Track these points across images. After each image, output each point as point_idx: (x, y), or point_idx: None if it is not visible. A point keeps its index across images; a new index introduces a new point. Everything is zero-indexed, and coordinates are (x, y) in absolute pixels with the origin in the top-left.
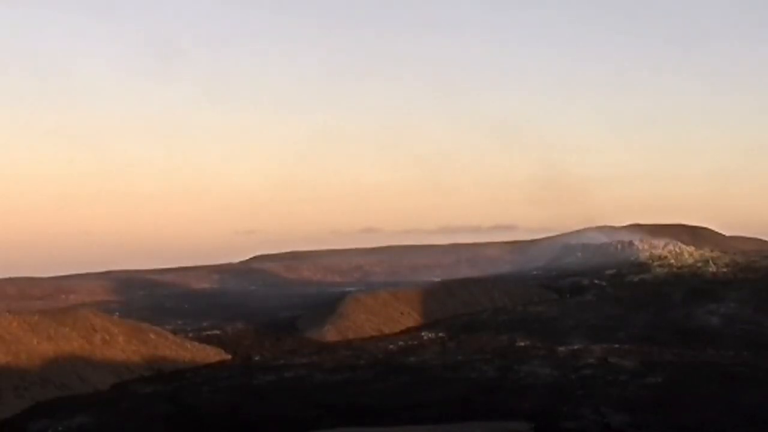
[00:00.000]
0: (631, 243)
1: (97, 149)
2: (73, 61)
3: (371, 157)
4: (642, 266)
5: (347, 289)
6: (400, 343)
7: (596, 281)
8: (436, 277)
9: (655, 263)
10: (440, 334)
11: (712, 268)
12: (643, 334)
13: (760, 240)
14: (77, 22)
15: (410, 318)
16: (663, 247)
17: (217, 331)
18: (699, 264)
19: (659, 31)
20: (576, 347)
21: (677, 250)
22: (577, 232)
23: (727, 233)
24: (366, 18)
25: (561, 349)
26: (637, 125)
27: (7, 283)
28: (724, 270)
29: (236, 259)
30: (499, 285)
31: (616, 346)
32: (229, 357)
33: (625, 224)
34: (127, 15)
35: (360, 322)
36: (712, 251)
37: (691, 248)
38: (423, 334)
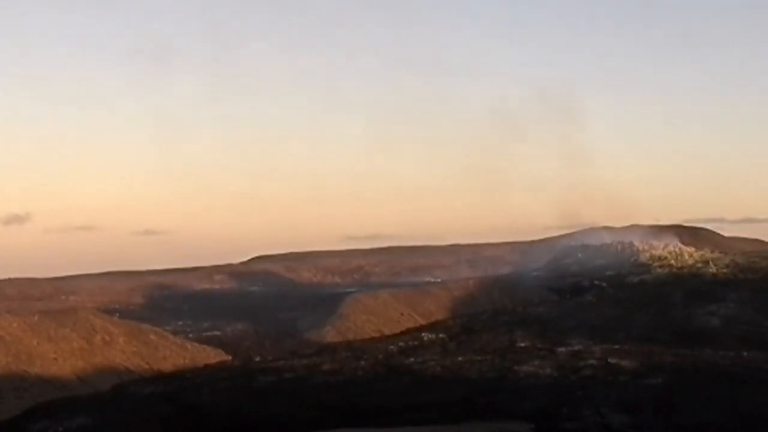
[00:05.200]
0: (631, 244)
1: (96, 149)
2: (69, 60)
3: (372, 157)
4: (642, 267)
5: (347, 289)
6: (401, 344)
7: (596, 282)
8: (437, 278)
9: (655, 264)
10: (440, 335)
11: (712, 269)
12: (644, 335)
13: (760, 241)
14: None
15: (410, 319)
16: (663, 248)
17: (217, 332)
18: (699, 265)
19: (658, 30)
20: (576, 348)
21: (677, 250)
22: (578, 232)
23: (727, 234)
24: (366, 17)
25: (561, 349)
26: (637, 125)
27: (6, 283)
28: (725, 271)
29: (236, 260)
30: (499, 285)
31: (617, 346)
32: (229, 358)
33: (625, 225)
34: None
35: (360, 323)
36: (712, 252)
37: (691, 249)
38: (423, 335)
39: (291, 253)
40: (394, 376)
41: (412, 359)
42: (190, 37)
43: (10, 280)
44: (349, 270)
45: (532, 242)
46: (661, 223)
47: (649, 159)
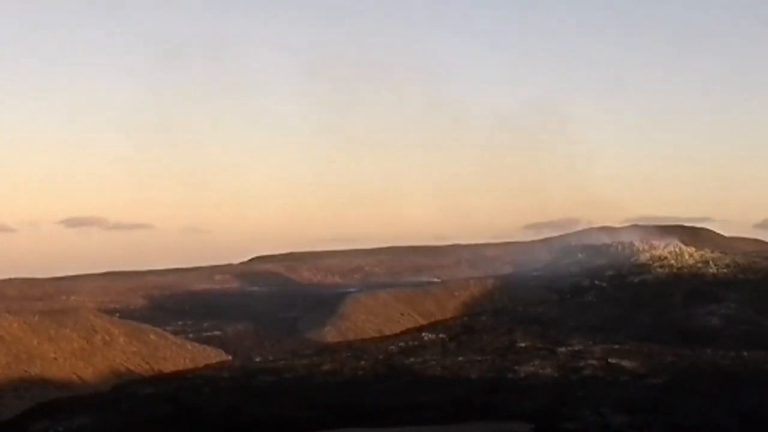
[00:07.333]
0: (631, 244)
1: (94, 148)
2: (70, 60)
3: (373, 158)
4: (642, 267)
5: (347, 289)
6: (401, 344)
7: (596, 282)
8: (437, 278)
9: (656, 264)
10: (440, 335)
11: (713, 269)
12: (644, 335)
13: (761, 241)
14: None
15: (410, 319)
16: (663, 248)
17: (217, 332)
18: (699, 265)
19: (658, 30)
20: (576, 348)
21: (677, 250)
22: (577, 232)
23: (728, 234)
24: (367, 17)
25: (561, 349)
26: (637, 125)
27: (6, 284)
28: (725, 271)
29: (236, 260)
30: (499, 285)
31: (617, 347)
32: (229, 358)
33: (625, 224)
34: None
35: (360, 323)
36: (712, 252)
37: (692, 249)
38: (423, 335)
39: (291, 253)
40: (394, 376)
41: (412, 359)
42: (193, 36)
43: (10, 280)
44: (349, 270)
45: (532, 243)
46: (661, 223)
47: (648, 159)
